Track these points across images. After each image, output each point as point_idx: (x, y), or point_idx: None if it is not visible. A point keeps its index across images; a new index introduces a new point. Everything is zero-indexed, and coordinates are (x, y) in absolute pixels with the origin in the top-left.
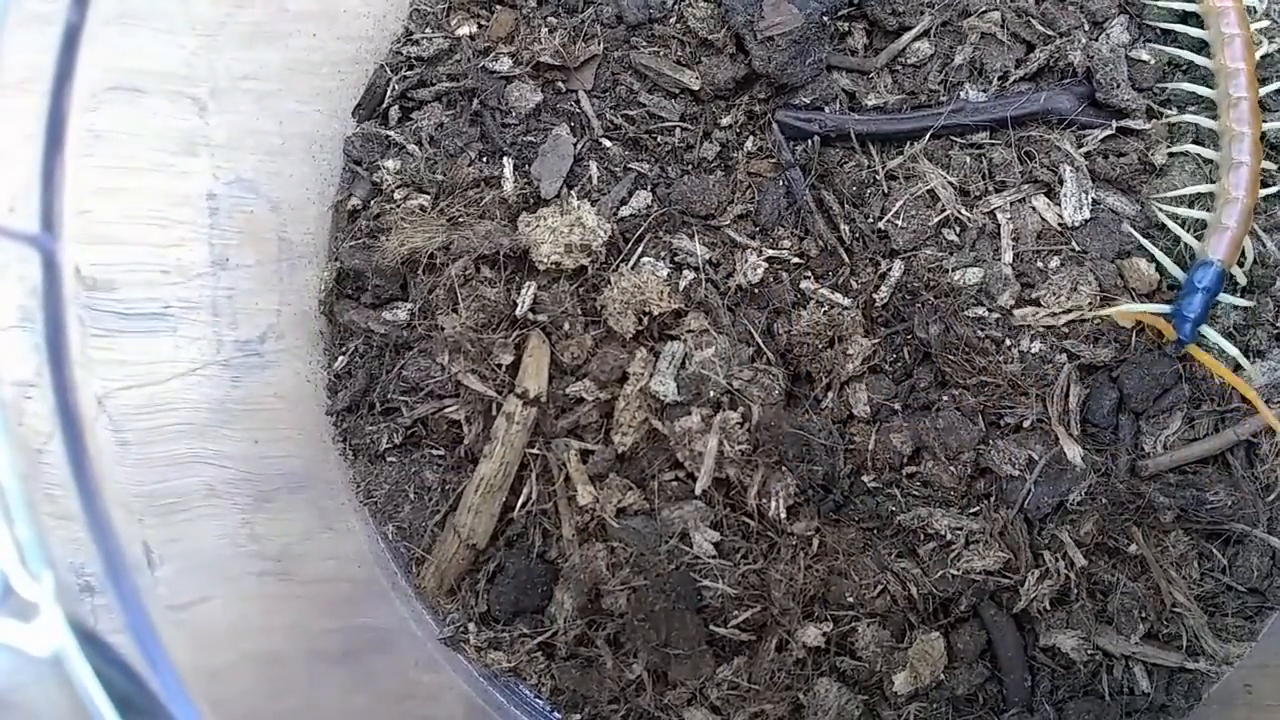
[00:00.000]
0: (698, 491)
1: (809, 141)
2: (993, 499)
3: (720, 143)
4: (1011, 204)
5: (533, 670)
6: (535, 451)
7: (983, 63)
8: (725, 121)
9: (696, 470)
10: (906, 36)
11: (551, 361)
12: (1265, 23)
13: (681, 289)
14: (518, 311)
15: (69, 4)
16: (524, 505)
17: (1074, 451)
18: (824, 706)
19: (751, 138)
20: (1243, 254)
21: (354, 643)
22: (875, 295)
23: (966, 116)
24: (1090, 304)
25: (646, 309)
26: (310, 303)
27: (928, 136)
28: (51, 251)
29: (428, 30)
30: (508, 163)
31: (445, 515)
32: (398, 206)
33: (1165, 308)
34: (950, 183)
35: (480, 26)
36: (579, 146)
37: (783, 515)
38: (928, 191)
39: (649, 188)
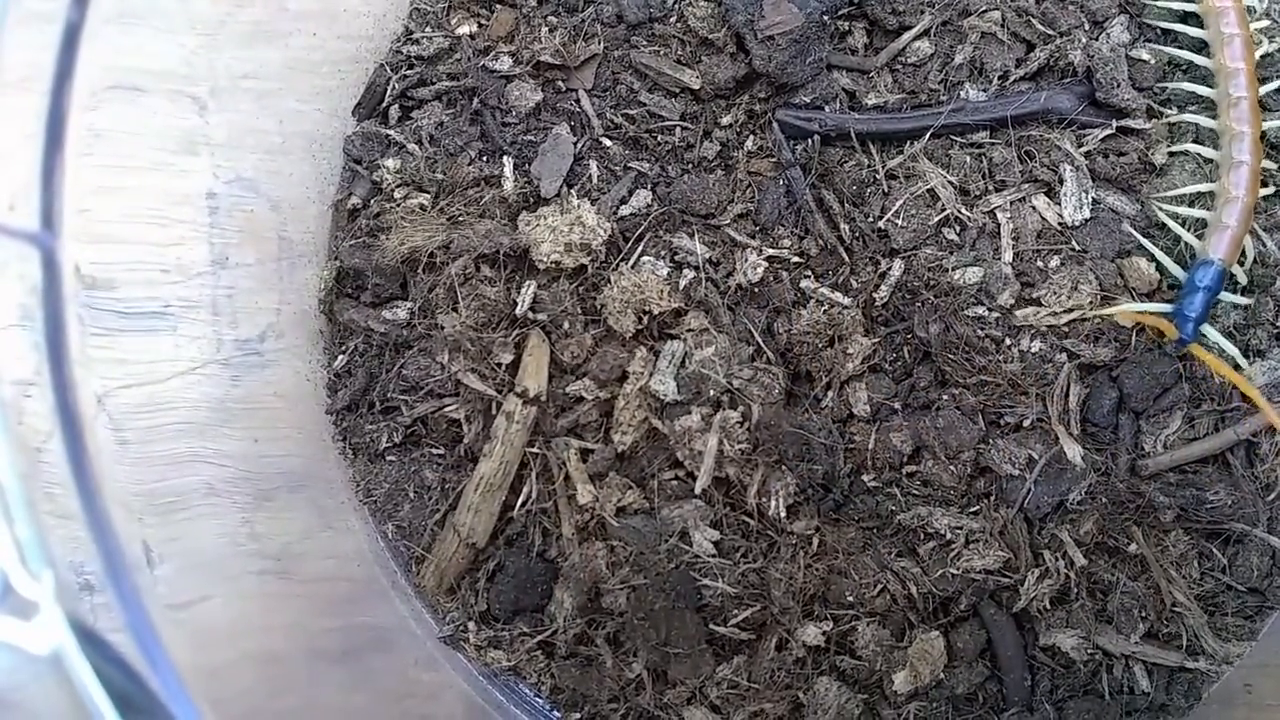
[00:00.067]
0: (697, 490)
1: (809, 141)
2: (993, 498)
3: (720, 142)
4: (1012, 203)
5: (532, 669)
6: (535, 450)
7: (983, 62)
8: (725, 121)
9: (696, 469)
10: (907, 36)
11: (551, 360)
12: (1265, 22)
13: (681, 288)
14: (518, 310)
15: (69, 3)
16: (524, 504)
17: (1074, 451)
18: (824, 705)
19: (752, 137)
20: (1243, 253)
21: (354, 641)
22: (875, 294)
23: (967, 116)
24: (1091, 303)
25: (646, 308)
26: (310, 302)
27: (928, 136)
28: (51, 250)
29: (428, 29)
30: (508, 162)
31: (445, 514)
32: (398, 205)
33: (1166, 307)
34: (950, 182)
35: (480, 25)
36: (579, 145)
37: (783, 514)
38: (928, 191)
39: (649, 187)
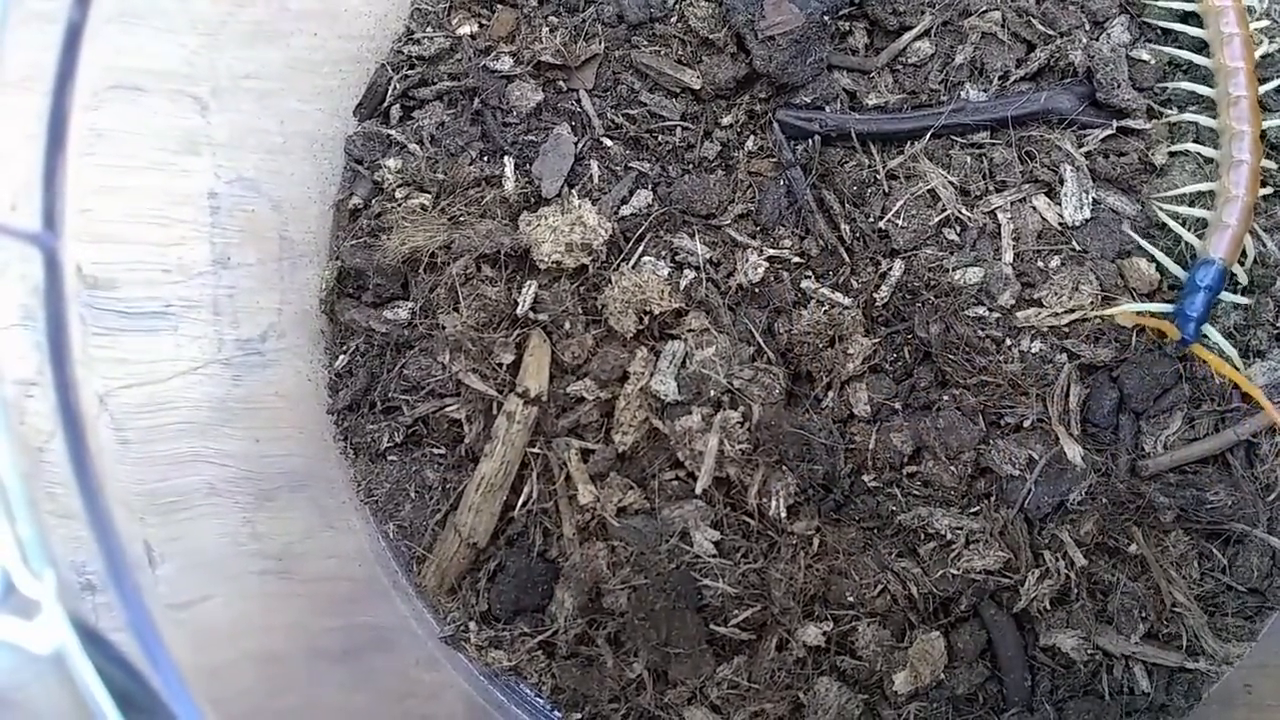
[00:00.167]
0: (698, 491)
1: (810, 141)
2: (993, 499)
3: (721, 142)
4: (1012, 203)
5: (533, 669)
6: (536, 450)
7: (983, 62)
8: (726, 121)
9: (697, 469)
10: (907, 36)
11: (552, 360)
12: (1265, 22)
13: (682, 288)
14: (519, 310)
15: (71, 2)
16: (525, 504)
17: (1074, 451)
18: (824, 706)
19: (752, 137)
20: (1243, 252)
21: (355, 641)
22: (876, 295)
23: (967, 116)
24: (1091, 304)
25: (647, 308)
26: (311, 301)
27: (928, 136)
28: (53, 250)
29: (429, 29)
30: (509, 162)
31: (446, 514)
32: (399, 205)
33: (1167, 307)
34: (951, 182)
35: (481, 26)
36: (580, 146)
37: (783, 515)
38: (928, 191)
39: (650, 187)
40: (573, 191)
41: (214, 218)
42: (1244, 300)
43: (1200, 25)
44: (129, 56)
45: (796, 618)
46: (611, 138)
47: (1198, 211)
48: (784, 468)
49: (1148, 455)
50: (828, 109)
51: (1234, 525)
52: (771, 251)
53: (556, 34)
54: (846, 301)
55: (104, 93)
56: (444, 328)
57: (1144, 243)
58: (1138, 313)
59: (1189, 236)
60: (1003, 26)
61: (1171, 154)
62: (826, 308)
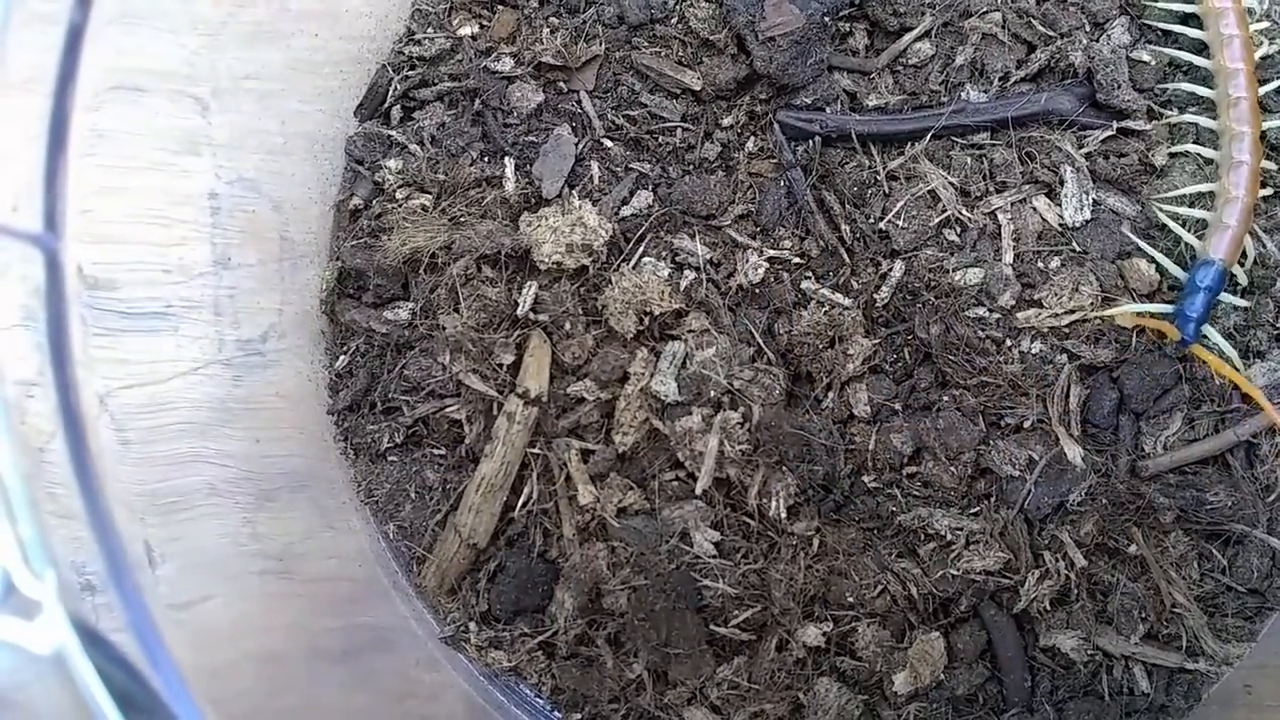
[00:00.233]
0: (698, 491)
1: (810, 142)
2: (993, 499)
3: (721, 143)
4: (1012, 204)
5: (533, 669)
6: (536, 451)
7: (984, 63)
8: (726, 122)
9: (697, 470)
10: (908, 37)
11: (552, 361)
12: (1264, 24)
13: (682, 289)
14: (519, 311)
15: (72, 4)
16: (525, 505)
17: (1074, 452)
18: (824, 706)
19: (753, 138)
20: (1243, 253)
21: (355, 641)
22: (876, 295)
23: (967, 117)
24: (1091, 304)
25: (647, 309)
26: (312, 302)
27: (929, 137)
28: (54, 251)
29: (429, 30)
30: (509, 162)
31: (446, 514)
32: (399, 206)
33: (1167, 308)
34: (951, 183)
35: (482, 26)
36: (580, 146)
37: (783, 515)
38: (929, 192)
39: (650, 188)
40: (573, 192)
41: (215, 218)
42: (1243, 303)
43: (1200, 27)
44: (130, 57)
45: (796, 618)
46: (612, 138)
47: (1198, 212)
48: (784, 468)
49: (1148, 456)
50: (828, 110)
51: (1234, 526)
52: (772, 252)
53: (557, 35)
54: (847, 302)
55: (105, 94)
56: (444, 328)
57: (1144, 244)
58: (1138, 313)
59: (1189, 237)
60: (1003, 27)
61: (1171, 155)
62: (827, 308)
